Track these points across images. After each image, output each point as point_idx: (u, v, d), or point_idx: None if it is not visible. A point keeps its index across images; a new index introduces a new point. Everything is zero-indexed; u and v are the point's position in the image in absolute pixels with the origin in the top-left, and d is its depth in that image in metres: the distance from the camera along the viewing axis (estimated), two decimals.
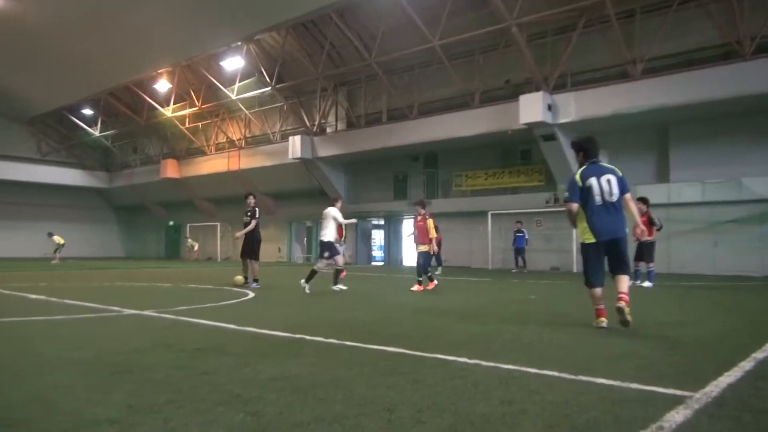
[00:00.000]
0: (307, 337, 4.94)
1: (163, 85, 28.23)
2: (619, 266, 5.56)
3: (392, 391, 3.16)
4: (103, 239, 38.89)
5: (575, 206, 5.54)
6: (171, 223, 37.05)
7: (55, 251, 26.65)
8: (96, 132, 34.30)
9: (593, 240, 5.47)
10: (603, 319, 5.49)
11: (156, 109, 30.15)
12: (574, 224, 5.67)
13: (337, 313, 7.09)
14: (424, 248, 10.78)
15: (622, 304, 5.27)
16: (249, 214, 11.34)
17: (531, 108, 17.97)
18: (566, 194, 5.61)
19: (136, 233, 40.26)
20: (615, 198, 5.44)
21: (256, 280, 10.96)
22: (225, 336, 5.14)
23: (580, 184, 5.50)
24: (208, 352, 4.29)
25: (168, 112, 29.72)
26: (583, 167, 5.62)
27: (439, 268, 16.94)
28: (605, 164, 5.68)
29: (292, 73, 25.22)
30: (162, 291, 10.48)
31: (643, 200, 11.75)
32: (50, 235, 27.14)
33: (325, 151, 25.29)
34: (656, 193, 18.06)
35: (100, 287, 11.24)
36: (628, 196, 5.58)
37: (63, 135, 36.42)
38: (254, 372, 3.62)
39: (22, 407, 2.81)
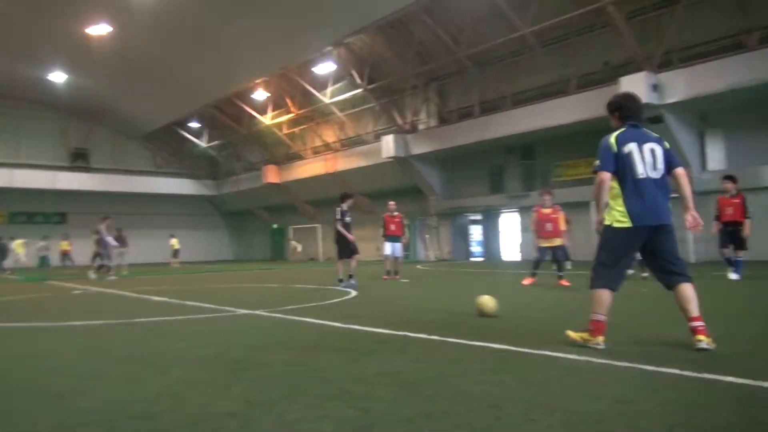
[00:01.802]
0: (411, 334, 4.98)
1: (260, 95, 29.58)
2: (674, 267, 4.15)
3: (499, 388, 3.11)
4: (214, 244, 41.48)
5: (608, 176, 4.17)
6: (275, 226, 38.78)
7: (172, 255, 28.79)
8: (203, 143, 36.61)
9: (628, 224, 4.09)
10: (600, 338, 4.08)
11: (255, 117, 31.66)
12: (600, 201, 4.25)
13: (439, 309, 7.09)
14: (558, 241, 10.64)
15: (703, 340, 3.87)
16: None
17: (633, 90, 16.87)
18: (596, 162, 4.28)
19: (244, 237, 42.57)
20: (659, 174, 4.17)
21: (348, 278, 11.11)
22: (332, 334, 5.30)
23: (614, 149, 4.19)
24: (317, 350, 4.44)
25: (266, 119, 31.11)
26: (621, 130, 4.32)
27: (569, 263, 16.23)
28: (649, 131, 4.37)
29: (383, 73, 25.50)
30: (270, 291, 10.99)
31: (731, 178, 10.28)
32: (171, 236, 29.42)
33: (418, 148, 25.36)
34: None
35: (215, 289, 11.98)
36: (680, 170, 4.27)
37: (174, 148, 39.22)
38: (361, 368, 3.70)
39: (154, 400, 3.06)
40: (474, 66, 22.18)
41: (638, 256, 4.52)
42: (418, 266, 20.59)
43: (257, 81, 28.81)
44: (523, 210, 23.56)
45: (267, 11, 21.52)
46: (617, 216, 4.14)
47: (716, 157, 18.24)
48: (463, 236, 28.02)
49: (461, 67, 23.26)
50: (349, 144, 30.43)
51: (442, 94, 26.16)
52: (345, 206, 11.13)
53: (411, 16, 22.01)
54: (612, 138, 4.27)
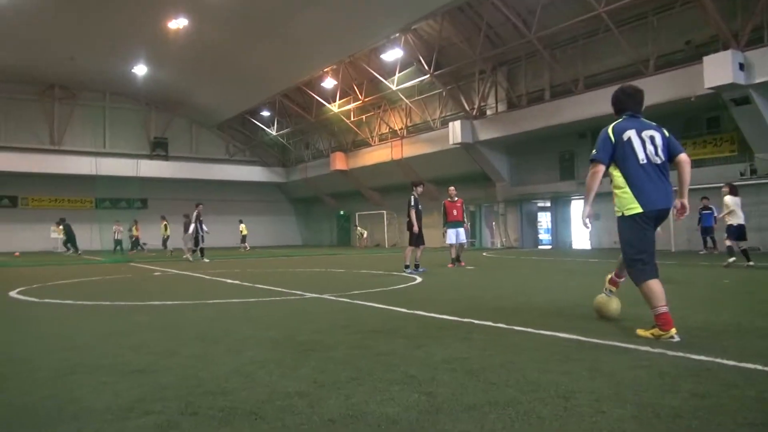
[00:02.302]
0: (476, 321, 4.96)
1: (328, 83, 29.95)
2: (654, 258, 4.24)
3: (567, 377, 3.05)
4: (283, 229, 42.65)
5: (602, 168, 4.24)
6: (341, 212, 39.38)
7: (242, 240, 29.84)
8: (273, 131, 37.56)
9: (638, 209, 4.08)
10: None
11: (324, 105, 32.13)
12: (590, 192, 4.37)
13: (504, 297, 7.01)
14: None
15: (667, 334, 3.93)
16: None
17: (718, 69, 15.97)
18: (593, 152, 4.30)
19: (311, 223, 43.53)
20: (660, 160, 4.15)
21: (415, 266, 11.22)
22: (397, 319, 5.35)
23: (612, 139, 4.23)
24: (382, 334, 4.50)
25: (334, 107, 31.51)
26: (618, 120, 4.40)
27: None
28: (648, 121, 4.41)
29: (450, 58, 25.20)
30: (337, 276, 11.20)
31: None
32: (240, 222, 30.53)
33: (486, 134, 24.97)
34: None
35: (284, 273, 12.33)
36: (683, 156, 4.25)
37: (246, 136, 40.48)
38: (427, 354, 3.72)
39: (226, 379, 3.20)
40: (545, 49, 21.52)
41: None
42: (485, 253, 20.37)
43: (325, 69, 29.17)
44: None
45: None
46: (626, 203, 4.14)
47: None
48: (531, 223, 27.45)
49: (531, 51, 22.65)
50: (415, 131, 30.37)
51: (511, 78, 25.57)
52: (416, 193, 11.22)
53: None
54: (610, 128, 4.32)
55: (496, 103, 26.08)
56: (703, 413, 2.44)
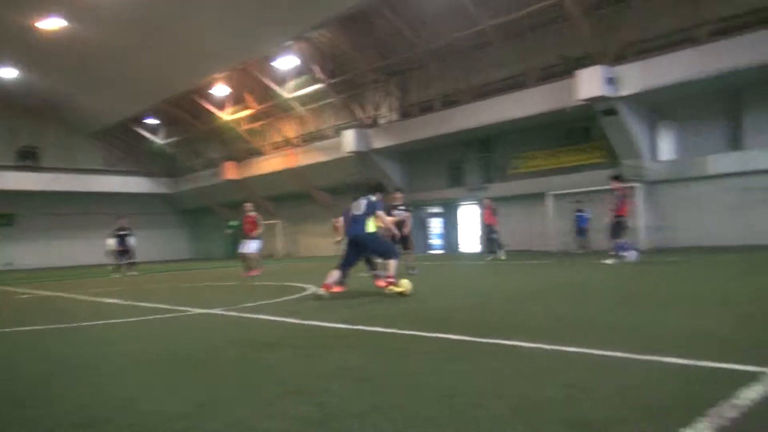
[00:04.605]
0: (367, 328, 4.99)
1: (219, 90, 29.05)
2: None
3: (452, 377, 3.15)
4: (171, 242, 40.57)
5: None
6: (232, 222, 38.12)
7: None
8: (159, 140, 35.77)
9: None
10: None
11: (214, 113, 31.10)
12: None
13: (395, 303, 7.12)
14: None
15: None
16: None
17: (589, 83, 17.35)
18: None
19: (202, 235, 41.80)
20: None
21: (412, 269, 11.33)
22: (288, 330, 5.26)
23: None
24: (273, 346, 4.41)
25: (225, 115, 30.60)
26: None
27: (502, 252, 16.61)
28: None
29: (344, 67, 25.38)
30: (227, 290, 10.84)
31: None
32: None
33: (379, 142, 25.37)
34: (729, 161, 17.16)
35: (170, 289, 11.74)
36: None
37: (129, 145, 38.17)
38: (317, 364, 3.69)
39: (102, 405, 2.98)
40: (435, 60, 22.28)
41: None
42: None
43: (216, 76, 28.27)
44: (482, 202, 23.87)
45: (226, 5, 21.12)
46: None
47: (667, 147, 18.84)
48: (423, 229, 28.18)
49: (422, 61, 23.35)
50: (309, 139, 30.20)
51: (403, 88, 26.20)
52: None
53: (372, 10, 21.94)
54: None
55: (389, 112, 26.60)
56: (573, 401, 2.61)
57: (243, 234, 14.27)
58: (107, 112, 33.01)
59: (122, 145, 38.26)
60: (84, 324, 6.47)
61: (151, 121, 35.02)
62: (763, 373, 2.88)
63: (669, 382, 2.83)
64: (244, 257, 14.19)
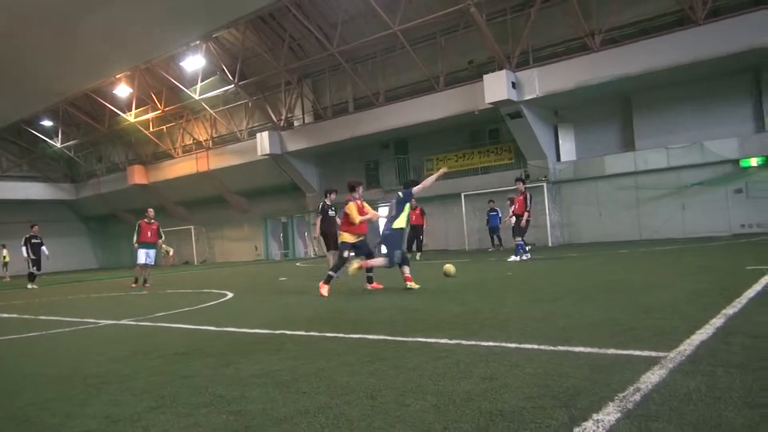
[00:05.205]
0: (288, 332, 4.93)
1: (123, 90, 27.59)
2: None
3: (374, 377, 3.17)
4: (76, 252, 38.04)
5: None
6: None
7: (3, 267, 26.09)
8: (57, 143, 33.47)
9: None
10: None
11: (118, 115, 29.51)
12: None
13: (317, 307, 7.07)
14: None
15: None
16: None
17: (495, 87, 18.04)
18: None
19: (109, 243, 39.52)
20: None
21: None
22: (205, 338, 5.09)
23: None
24: (189, 356, 4.24)
25: (130, 117, 29.11)
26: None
27: (419, 254, 16.96)
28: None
29: (255, 68, 24.89)
30: (138, 299, 10.32)
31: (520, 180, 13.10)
32: (3, 246, 26.55)
33: (294, 145, 25.08)
34: (623, 161, 18.42)
35: (76, 300, 11.02)
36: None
37: (23, 148, 35.47)
38: (235, 371, 3.59)
39: None
40: (347, 63, 22.33)
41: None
42: (298, 264, 20.40)
43: (118, 76, 26.82)
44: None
45: (128, 0, 20.07)
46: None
47: (568, 149, 19.94)
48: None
49: (334, 64, 23.33)
50: (221, 142, 29.36)
51: (317, 90, 26.07)
52: (328, 201, 11.20)
53: (283, 11, 21.71)
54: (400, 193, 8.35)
55: (303, 114, 26.37)
56: (491, 394, 2.70)
57: (147, 243, 13.41)
58: None
59: (16, 149, 35.52)
60: None
61: (48, 122, 32.70)
62: (661, 357, 3.11)
63: (578, 370, 3.00)
64: (145, 267, 13.41)
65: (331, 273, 8.28)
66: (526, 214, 12.42)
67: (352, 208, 8.30)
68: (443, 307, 5.97)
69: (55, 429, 2.66)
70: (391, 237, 8.09)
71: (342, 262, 8.36)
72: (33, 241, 16.68)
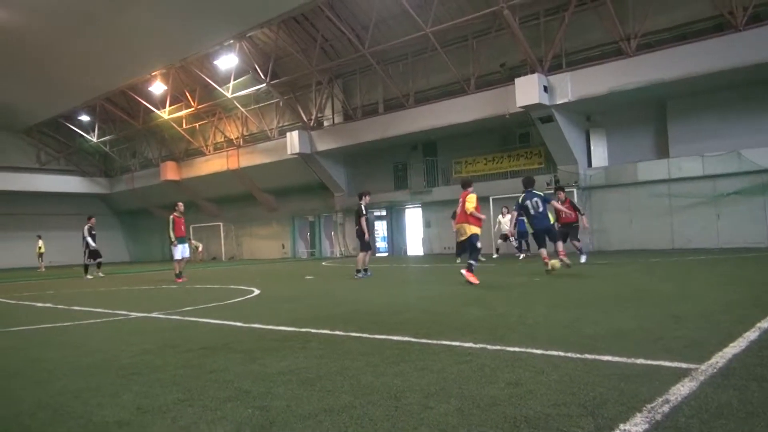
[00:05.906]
0: (313, 330, 4.96)
1: (158, 88, 28.16)
2: None
3: (399, 378, 3.17)
4: (108, 245, 38.75)
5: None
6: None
7: (39, 258, 26.82)
8: (94, 138, 34.31)
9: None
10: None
11: (152, 111, 30.12)
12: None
13: (341, 305, 7.11)
14: None
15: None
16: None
17: (527, 91, 17.87)
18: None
19: (141, 237, 40.38)
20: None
21: (364, 270, 11.65)
22: (232, 333, 5.16)
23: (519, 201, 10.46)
24: (216, 351, 4.31)
25: (164, 114, 29.69)
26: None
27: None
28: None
29: (287, 68, 25.14)
30: (168, 293, 10.52)
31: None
32: (39, 237, 27.30)
33: (323, 144, 25.24)
34: (656, 168, 18.05)
35: (107, 292, 11.28)
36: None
37: (61, 143, 36.46)
38: (261, 367, 3.64)
39: (31, 415, 2.83)
40: (378, 64, 22.40)
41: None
42: (324, 263, 20.53)
43: (154, 73, 27.40)
44: (426, 205, 24.13)
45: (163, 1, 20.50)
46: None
47: (600, 154, 19.63)
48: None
49: (366, 65, 23.41)
50: (252, 140, 29.71)
51: (347, 90, 26.20)
52: (364, 202, 11.75)
53: (316, 11, 21.86)
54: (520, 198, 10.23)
55: (333, 114, 26.53)
56: (517, 399, 2.68)
57: (181, 237, 13.61)
58: (37, 107, 31.39)
59: (55, 143, 36.52)
60: (11, 329, 6.13)
61: (85, 118, 33.54)
62: (692, 369, 3.04)
63: (606, 379, 2.95)
64: (180, 262, 13.59)
65: (472, 261, 8.97)
66: (582, 218, 12.80)
67: (473, 200, 9.31)
68: (468, 310, 5.94)
69: (87, 418, 2.73)
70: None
71: (479, 251, 9.30)
72: (93, 232, 17.56)
